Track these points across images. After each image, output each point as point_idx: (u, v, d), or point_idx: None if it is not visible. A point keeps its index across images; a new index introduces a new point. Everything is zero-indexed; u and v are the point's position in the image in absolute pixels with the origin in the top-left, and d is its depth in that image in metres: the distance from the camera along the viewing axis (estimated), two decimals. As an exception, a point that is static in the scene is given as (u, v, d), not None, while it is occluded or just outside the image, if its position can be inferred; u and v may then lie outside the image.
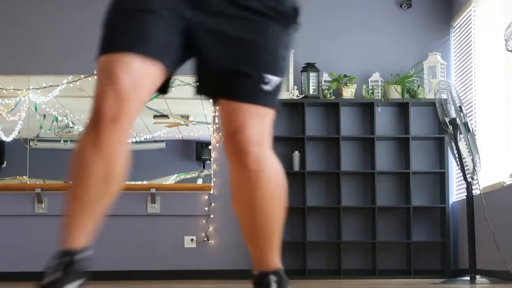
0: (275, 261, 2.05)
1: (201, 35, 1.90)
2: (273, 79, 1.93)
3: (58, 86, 7.47)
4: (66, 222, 1.86)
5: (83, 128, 1.85)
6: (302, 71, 7.36)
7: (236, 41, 1.91)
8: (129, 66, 1.83)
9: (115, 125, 1.82)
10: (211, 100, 2.00)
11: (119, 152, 1.86)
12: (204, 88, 1.97)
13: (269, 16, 1.93)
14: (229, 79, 1.91)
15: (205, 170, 7.51)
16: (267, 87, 1.93)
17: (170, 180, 7.55)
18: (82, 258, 1.86)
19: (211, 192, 7.41)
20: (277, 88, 1.96)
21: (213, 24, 1.91)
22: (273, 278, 2.03)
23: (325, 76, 7.39)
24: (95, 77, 1.89)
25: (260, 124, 1.92)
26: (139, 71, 1.84)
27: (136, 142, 7.50)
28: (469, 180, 5.98)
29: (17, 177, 7.43)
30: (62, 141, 7.51)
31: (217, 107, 1.96)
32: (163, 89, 1.98)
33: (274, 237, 2.04)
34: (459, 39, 7.34)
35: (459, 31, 7.36)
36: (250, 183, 1.95)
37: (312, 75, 7.33)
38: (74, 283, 1.85)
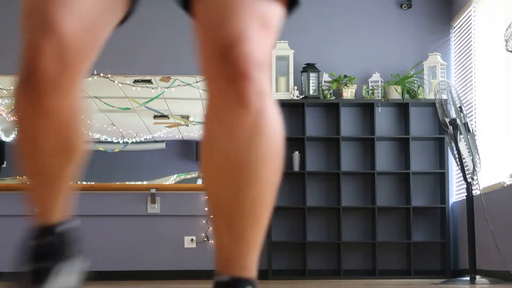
0: (254, 265, 1.35)
1: None
2: None
3: (58, 86, 7.47)
4: (33, 199, 1.48)
5: (14, 85, 1.38)
6: (302, 72, 7.36)
7: None
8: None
9: (59, 86, 1.34)
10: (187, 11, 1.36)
11: (70, 113, 1.39)
12: None
13: None
14: None
15: (205, 170, 7.50)
16: None
17: (170, 180, 7.55)
18: (64, 230, 1.48)
19: (211, 192, 7.41)
20: None
21: None
22: None
23: (325, 77, 7.39)
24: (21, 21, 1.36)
25: (263, 33, 1.26)
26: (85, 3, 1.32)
27: (136, 142, 7.50)
28: (469, 180, 5.98)
29: (18, 177, 7.43)
30: (62, 141, 7.51)
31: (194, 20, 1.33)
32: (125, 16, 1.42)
33: (260, 224, 1.31)
34: (459, 39, 7.35)
35: (459, 31, 7.36)
36: (244, 126, 1.24)
37: (312, 75, 7.33)
38: (70, 261, 1.48)
